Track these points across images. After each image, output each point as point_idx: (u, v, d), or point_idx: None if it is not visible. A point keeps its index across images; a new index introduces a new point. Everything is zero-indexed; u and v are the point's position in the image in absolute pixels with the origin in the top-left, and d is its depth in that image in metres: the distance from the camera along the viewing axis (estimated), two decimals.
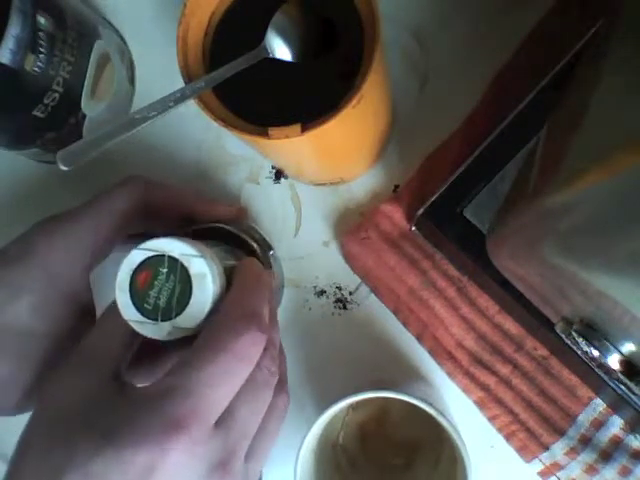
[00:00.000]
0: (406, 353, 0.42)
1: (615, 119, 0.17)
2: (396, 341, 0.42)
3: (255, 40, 0.32)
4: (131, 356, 0.29)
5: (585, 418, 0.39)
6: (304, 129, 0.30)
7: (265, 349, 0.27)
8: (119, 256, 0.36)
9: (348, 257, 0.43)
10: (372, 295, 0.43)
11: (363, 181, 0.43)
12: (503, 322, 0.40)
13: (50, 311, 0.32)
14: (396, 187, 0.43)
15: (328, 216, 0.44)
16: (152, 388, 0.25)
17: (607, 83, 0.19)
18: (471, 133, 0.40)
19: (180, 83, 0.32)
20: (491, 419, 0.41)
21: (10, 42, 0.34)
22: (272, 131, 0.31)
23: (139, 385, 0.28)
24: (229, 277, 0.29)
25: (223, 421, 0.25)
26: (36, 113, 0.38)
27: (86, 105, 0.41)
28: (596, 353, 0.22)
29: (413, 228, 0.41)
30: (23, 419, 0.27)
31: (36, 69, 0.36)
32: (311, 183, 0.44)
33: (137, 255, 0.26)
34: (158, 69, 0.45)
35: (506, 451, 0.41)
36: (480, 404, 0.41)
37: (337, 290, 0.43)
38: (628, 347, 0.22)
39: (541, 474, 0.40)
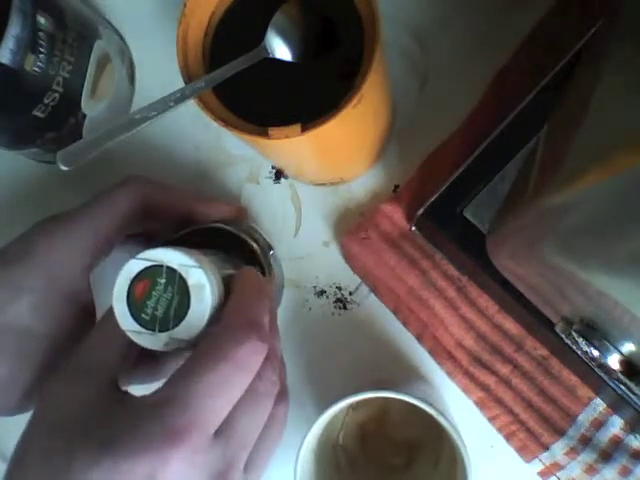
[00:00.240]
0: (406, 353, 0.42)
1: (615, 119, 0.17)
2: (396, 341, 0.42)
3: (255, 40, 0.32)
4: (129, 364, 0.29)
5: (585, 418, 0.39)
6: (304, 129, 0.30)
7: (266, 359, 0.27)
8: (119, 256, 0.36)
9: (348, 257, 0.43)
10: (372, 295, 0.43)
11: (363, 181, 0.43)
12: (503, 322, 0.40)
13: (50, 311, 0.32)
14: (396, 187, 0.43)
15: (328, 216, 0.44)
16: (152, 397, 0.25)
17: (607, 83, 0.19)
18: (471, 133, 0.40)
19: (180, 83, 0.32)
20: (491, 419, 0.41)
21: (10, 42, 0.34)
22: (272, 131, 0.31)
23: (136, 387, 0.28)
24: (227, 286, 0.28)
25: (223, 431, 0.25)
26: (36, 113, 0.38)
27: (86, 105, 0.41)
28: (596, 353, 0.22)
29: (413, 228, 0.41)
30: (23, 419, 0.27)
31: (36, 69, 0.36)
32: (311, 183, 0.44)
33: (135, 265, 0.26)
34: (158, 69, 0.45)
35: (506, 451, 0.41)
36: (480, 404, 0.41)
37: (337, 290, 0.43)
38: (628, 347, 0.22)
39: (541, 474, 0.40)
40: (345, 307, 0.43)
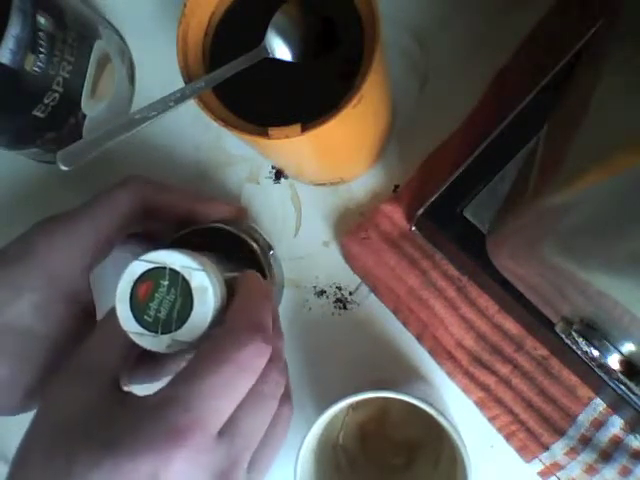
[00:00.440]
0: (406, 353, 0.42)
1: (615, 119, 0.17)
2: (396, 341, 0.42)
3: (255, 40, 0.32)
4: (130, 364, 0.29)
5: (585, 418, 0.39)
6: (304, 129, 0.30)
7: (271, 360, 0.27)
8: (119, 256, 0.36)
9: (348, 257, 0.43)
10: (372, 295, 0.43)
11: (363, 181, 0.43)
12: (503, 322, 0.40)
13: (51, 311, 0.32)
14: (396, 187, 0.43)
15: (328, 216, 0.44)
16: (154, 397, 0.25)
17: (607, 83, 0.19)
18: (471, 133, 0.40)
19: (180, 83, 0.32)
20: (491, 419, 0.41)
21: (10, 42, 0.34)
22: (272, 131, 0.31)
23: (138, 387, 0.28)
24: (229, 288, 0.28)
25: (226, 431, 0.25)
26: (36, 113, 0.38)
27: (86, 105, 0.41)
28: (596, 353, 0.22)
29: (413, 228, 0.41)
30: (24, 419, 0.27)
31: (36, 69, 0.36)
32: (311, 183, 0.44)
33: (138, 266, 0.26)
34: (158, 69, 0.45)
35: (506, 451, 0.41)
36: (480, 404, 0.41)
37: (337, 290, 0.43)
38: (628, 347, 0.22)
39: (541, 474, 0.40)
40: (345, 307, 0.43)
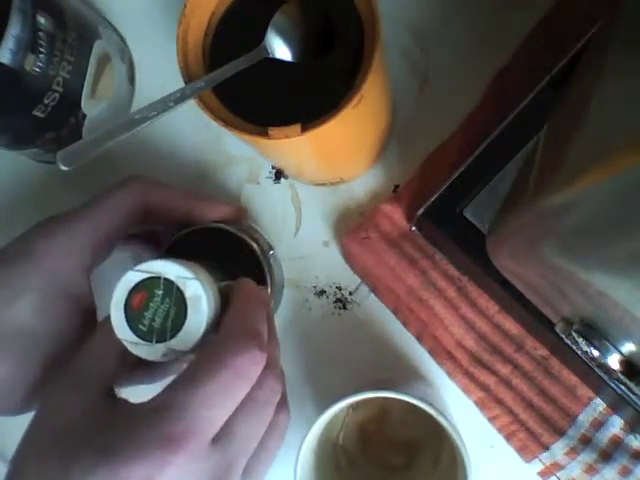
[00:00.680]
0: (406, 353, 0.42)
1: (615, 119, 0.17)
2: (396, 341, 0.42)
3: (255, 40, 0.32)
4: (127, 369, 0.29)
5: (585, 418, 0.39)
6: (304, 129, 0.30)
7: (267, 367, 0.27)
8: (119, 256, 0.36)
9: (348, 257, 0.43)
10: (372, 295, 0.43)
11: (363, 181, 0.43)
12: (503, 322, 0.40)
13: (51, 311, 0.32)
14: (396, 187, 0.43)
15: (328, 216, 0.44)
16: (149, 404, 0.25)
17: (607, 83, 0.19)
18: (471, 133, 0.40)
19: (180, 83, 0.32)
20: (491, 419, 0.41)
21: (10, 42, 0.34)
22: (272, 131, 0.31)
23: (136, 392, 0.28)
24: (225, 296, 0.29)
25: (221, 438, 0.25)
26: (36, 113, 0.38)
27: (86, 105, 0.41)
28: (596, 353, 0.22)
29: (413, 228, 0.41)
30: (24, 420, 0.27)
31: (36, 69, 0.36)
32: (311, 183, 0.44)
33: (133, 276, 0.27)
34: (158, 69, 0.45)
35: (506, 451, 0.41)
36: (480, 404, 0.41)
37: (337, 290, 0.43)
38: (628, 347, 0.22)
39: (541, 474, 0.40)
40: (345, 307, 0.43)
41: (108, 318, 0.27)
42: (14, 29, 0.34)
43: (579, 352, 0.23)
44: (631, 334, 0.21)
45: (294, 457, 0.35)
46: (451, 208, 0.38)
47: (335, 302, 0.43)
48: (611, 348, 0.22)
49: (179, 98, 0.30)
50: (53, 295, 0.32)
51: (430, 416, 0.34)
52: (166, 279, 0.26)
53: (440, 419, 0.33)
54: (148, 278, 0.27)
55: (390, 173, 0.43)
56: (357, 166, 0.42)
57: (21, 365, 0.31)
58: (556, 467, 0.40)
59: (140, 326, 0.26)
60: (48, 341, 0.32)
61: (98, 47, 0.41)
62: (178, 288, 0.26)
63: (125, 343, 0.27)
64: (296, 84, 0.33)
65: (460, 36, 0.42)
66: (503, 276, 0.32)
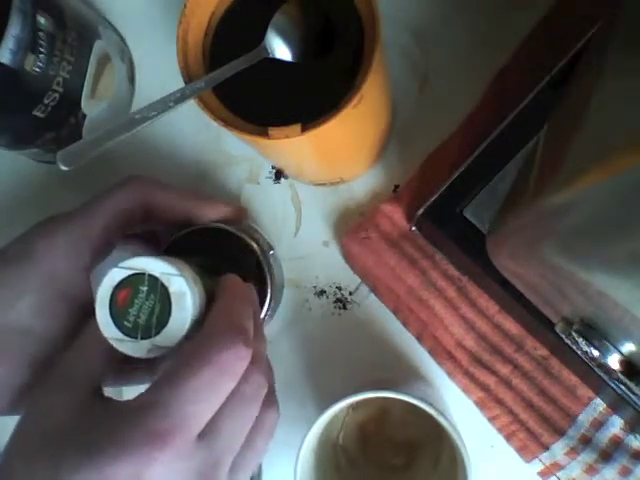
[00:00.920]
0: (406, 353, 0.42)
1: (615, 119, 0.17)
2: (396, 341, 0.42)
3: (255, 40, 0.32)
4: (115, 367, 0.29)
5: (585, 418, 0.39)
6: (304, 129, 0.30)
7: (252, 363, 0.27)
8: (119, 256, 0.36)
9: (348, 257, 0.43)
10: (372, 295, 0.43)
11: (363, 181, 0.43)
12: (503, 322, 0.40)
13: (50, 311, 0.32)
14: (396, 187, 0.43)
15: (328, 216, 0.44)
16: (134, 402, 0.25)
17: (607, 83, 0.19)
18: (471, 133, 0.40)
19: (180, 83, 0.32)
20: (491, 419, 0.41)
21: (10, 42, 0.34)
22: (272, 131, 0.31)
23: (126, 389, 0.28)
24: (212, 293, 0.29)
25: (207, 434, 0.25)
26: (36, 113, 0.38)
27: (86, 105, 0.41)
28: (596, 353, 0.22)
29: (413, 228, 0.41)
30: (12, 419, 0.27)
31: (36, 69, 0.36)
32: (311, 183, 0.44)
33: (117, 273, 0.27)
34: (158, 69, 0.45)
35: (506, 451, 0.41)
36: (480, 404, 0.41)
37: (337, 290, 0.43)
38: (628, 347, 0.22)
39: (541, 474, 0.40)
40: (345, 307, 0.43)
41: (93, 318, 0.27)
42: (14, 29, 0.34)
43: (579, 352, 0.23)
44: (631, 334, 0.21)
45: (294, 457, 0.35)
46: (451, 208, 0.38)
47: (335, 302, 0.43)
48: (611, 348, 0.22)
49: (179, 98, 0.30)
50: (52, 295, 0.32)
51: (430, 416, 0.34)
52: (150, 275, 0.26)
53: (440, 419, 0.33)
54: (132, 275, 0.27)
55: (390, 173, 0.43)
56: (357, 166, 0.42)
57: (19, 365, 0.31)
58: (556, 467, 0.40)
59: (125, 323, 0.26)
60: (46, 341, 0.32)
61: (98, 47, 0.41)
62: (162, 284, 0.26)
63: (110, 340, 0.27)
64: (296, 84, 0.33)
65: (460, 36, 0.42)
66: (503, 276, 0.32)
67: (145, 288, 0.26)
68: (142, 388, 0.25)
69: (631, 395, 0.34)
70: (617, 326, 0.21)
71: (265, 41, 0.32)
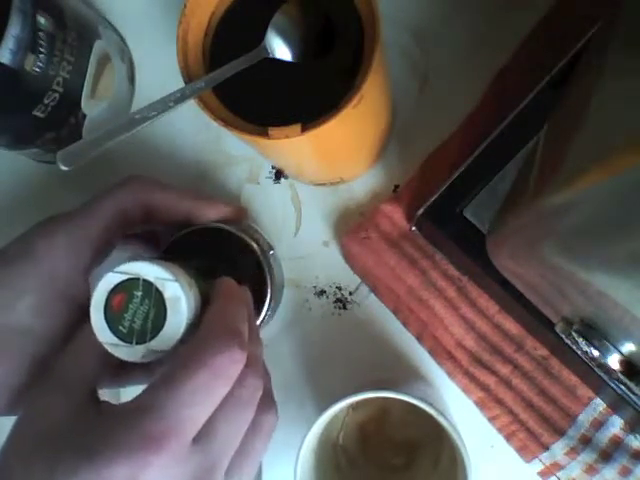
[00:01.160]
0: (406, 353, 0.42)
1: (615, 119, 0.17)
2: (396, 341, 0.42)
3: (255, 40, 0.32)
4: (111, 370, 0.29)
5: (585, 418, 0.39)
6: (304, 129, 0.30)
7: (248, 366, 0.27)
8: (119, 256, 0.36)
9: (348, 257, 0.43)
10: (372, 295, 0.43)
11: (363, 181, 0.43)
12: (503, 322, 0.40)
13: (50, 311, 0.32)
14: (396, 187, 0.43)
15: (328, 216, 0.44)
16: (130, 405, 0.25)
17: (607, 83, 0.19)
18: (471, 133, 0.40)
19: (180, 83, 0.32)
20: (491, 419, 0.41)
21: (10, 42, 0.34)
22: (272, 131, 0.31)
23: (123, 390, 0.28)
24: (207, 296, 0.29)
25: (202, 437, 0.25)
26: (36, 113, 0.38)
27: (86, 105, 0.41)
28: (596, 353, 0.22)
29: (413, 228, 0.41)
30: (10, 419, 0.27)
31: (36, 69, 0.36)
32: (311, 183, 0.44)
33: (112, 278, 0.27)
34: (158, 69, 0.45)
35: (506, 451, 0.41)
36: (480, 404, 0.41)
37: (337, 290, 0.43)
38: (628, 347, 0.22)
39: (541, 474, 0.40)
40: (345, 307, 0.43)
41: (88, 322, 0.27)
42: (14, 29, 0.34)
43: (579, 352, 0.23)
44: (631, 334, 0.21)
45: (294, 457, 0.35)
46: (451, 208, 0.38)
47: (335, 302, 0.43)
48: (611, 348, 0.22)
49: (179, 98, 0.30)
50: (52, 295, 0.32)
51: (430, 416, 0.34)
52: (145, 280, 0.26)
53: (440, 419, 0.33)
54: (127, 279, 0.27)
55: (390, 173, 0.43)
56: (357, 166, 0.42)
57: (18, 365, 0.31)
58: (556, 467, 0.40)
59: (120, 327, 0.26)
60: (46, 341, 0.32)
61: (98, 47, 0.41)
62: (157, 289, 0.26)
63: (105, 345, 0.27)
64: (296, 84, 0.33)
65: (460, 36, 0.42)
66: (503, 276, 0.32)
67: (140, 293, 0.26)
68: (140, 389, 0.26)
69: (631, 395, 0.34)
70: (617, 326, 0.21)
71: (265, 41, 0.32)
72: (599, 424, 0.39)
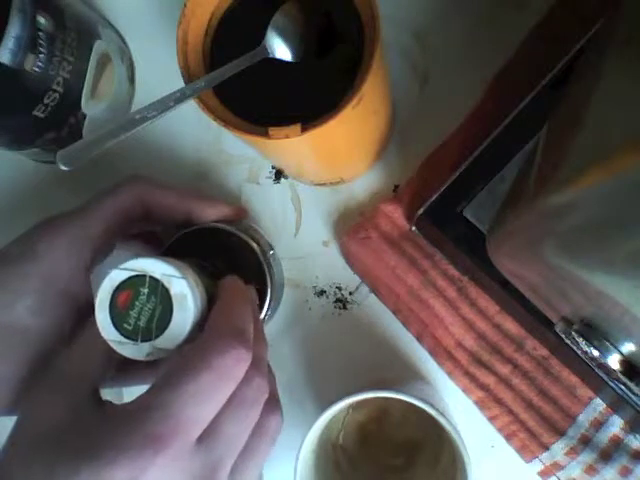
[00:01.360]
0: (406, 353, 0.42)
1: (615, 119, 0.17)
2: (396, 341, 0.42)
3: (255, 40, 0.32)
4: (113, 369, 0.29)
5: (585, 418, 0.39)
6: (304, 129, 0.30)
7: (254, 366, 0.27)
8: (119, 256, 0.36)
9: (348, 257, 0.43)
10: (372, 295, 0.43)
11: (363, 181, 0.43)
12: (503, 322, 0.40)
13: (50, 311, 0.32)
14: (396, 187, 0.43)
15: (328, 216, 0.44)
16: (132, 404, 0.25)
17: (607, 83, 0.19)
18: (471, 133, 0.40)
19: (180, 83, 0.32)
20: (491, 419, 0.41)
21: (10, 42, 0.34)
22: (272, 131, 0.31)
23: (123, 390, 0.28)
24: (212, 295, 0.28)
25: (206, 437, 0.25)
26: (36, 113, 0.38)
27: (86, 105, 0.41)
28: (596, 353, 0.22)
29: (413, 228, 0.41)
30: (10, 418, 0.27)
31: (36, 69, 0.36)
32: (311, 183, 0.44)
33: (118, 275, 0.26)
34: (158, 69, 0.45)
35: (506, 451, 0.41)
36: (480, 404, 0.41)
37: (337, 290, 0.43)
38: (628, 347, 0.22)
39: (541, 474, 0.40)
40: (345, 307, 0.43)
41: (92, 320, 0.27)
42: (14, 29, 0.34)
43: (579, 352, 0.23)
44: (631, 334, 0.21)
45: (294, 457, 0.35)
46: (451, 208, 0.38)
47: (335, 302, 0.43)
48: (611, 348, 0.22)
49: (179, 98, 0.30)
50: (53, 295, 0.32)
51: (430, 416, 0.34)
52: (151, 277, 0.26)
53: (440, 419, 0.33)
54: (133, 276, 0.26)
55: (390, 173, 0.43)
56: (357, 166, 0.42)
57: (19, 365, 0.31)
58: (556, 467, 0.40)
59: (125, 325, 0.26)
60: (46, 341, 0.32)
61: (98, 47, 0.41)
62: (163, 286, 0.26)
63: (110, 343, 0.26)
64: (296, 84, 0.33)
65: (460, 36, 0.42)
66: (503, 276, 0.32)
67: (146, 290, 0.26)
68: (142, 389, 0.25)
69: (631, 395, 0.34)
70: (617, 326, 0.21)
71: (265, 41, 0.32)
72: (599, 424, 0.39)
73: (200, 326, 0.27)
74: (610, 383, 0.35)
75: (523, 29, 0.41)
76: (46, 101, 0.38)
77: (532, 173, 0.25)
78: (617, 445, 0.39)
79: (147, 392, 0.25)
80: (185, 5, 0.32)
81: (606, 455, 0.39)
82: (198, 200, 0.37)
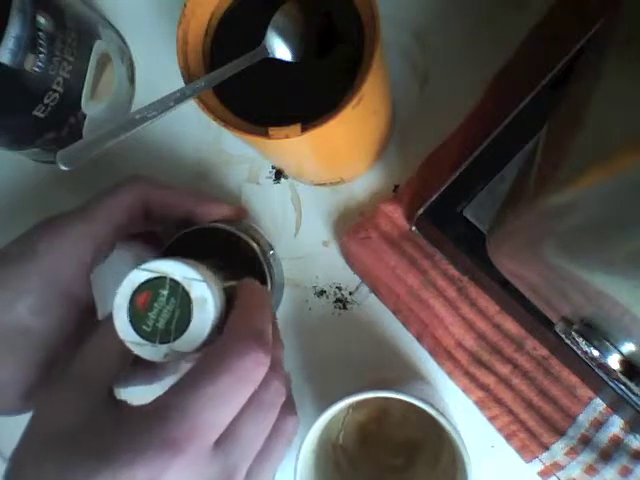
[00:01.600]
0: (406, 353, 0.42)
1: (615, 119, 0.17)
2: (396, 341, 0.42)
3: (255, 40, 0.32)
4: (127, 369, 0.29)
5: (585, 418, 0.39)
6: (304, 129, 0.30)
7: (272, 369, 0.26)
8: (120, 255, 0.36)
9: (348, 257, 0.43)
10: (372, 295, 0.43)
11: (363, 181, 0.43)
12: (503, 322, 0.40)
13: (51, 311, 0.32)
14: (396, 187, 0.43)
15: (328, 216, 0.44)
16: (150, 406, 0.24)
17: (607, 83, 0.19)
18: (471, 133, 0.40)
19: (180, 83, 0.32)
20: (491, 419, 0.41)
21: (10, 42, 0.34)
22: (272, 131, 0.31)
23: (135, 390, 0.27)
24: (229, 297, 0.28)
25: (223, 441, 0.25)
26: (36, 113, 0.38)
27: (86, 105, 0.41)
28: (596, 353, 0.22)
29: (413, 228, 0.41)
30: (22, 419, 0.27)
31: (36, 69, 0.36)
32: (311, 183, 0.44)
33: (138, 275, 0.26)
34: (158, 69, 0.45)
35: (506, 451, 0.41)
36: (480, 404, 0.41)
37: (337, 290, 0.43)
38: (628, 347, 0.22)
39: (541, 474, 0.40)
40: (345, 307, 0.43)
41: (109, 318, 0.27)
42: (14, 29, 0.34)
43: (579, 352, 0.23)
44: (631, 334, 0.21)
45: (294, 457, 0.34)
46: (451, 208, 0.38)
47: (335, 302, 0.43)
48: (611, 348, 0.22)
49: (179, 98, 0.30)
50: (53, 295, 0.32)
51: (430, 416, 0.34)
52: (172, 279, 0.26)
53: (440, 419, 0.33)
54: (153, 278, 0.26)
55: (390, 173, 0.43)
56: (357, 166, 0.42)
57: (21, 366, 0.31)
58: (556, 467, 0.40)
59: (143, 326, 0.26)
60: (48, 341, 0.32)
61: (98, 47, 0.41)
62: (184, 289, 0.26)
63: (128, 344, 0.26)
64: (296, 84, 0.33)
65: (460, 36, 0.42)
66: (503, 276, 0.32)
67: (166, 292, 0.26)
68: (151, 389, 0.25)
69: (631, 395, 0.34)
70: (617, 326, 0.21)
71: (265, 41, 0.32)
72: (599, 424, 0.39)
73: (218, 328, 0.27)
74: (610, 383, 0.35)
75: (523, 29, 0.41)
76: (46, 101, 0.38)
77: (532, 173, 0.25)
78: (617, 445, 0.39)
79: (165, 394, 0.25)
80: (185, 5, 0.32)
81: (606, 455, 0.39)
82: (198, 200, 0.37)
